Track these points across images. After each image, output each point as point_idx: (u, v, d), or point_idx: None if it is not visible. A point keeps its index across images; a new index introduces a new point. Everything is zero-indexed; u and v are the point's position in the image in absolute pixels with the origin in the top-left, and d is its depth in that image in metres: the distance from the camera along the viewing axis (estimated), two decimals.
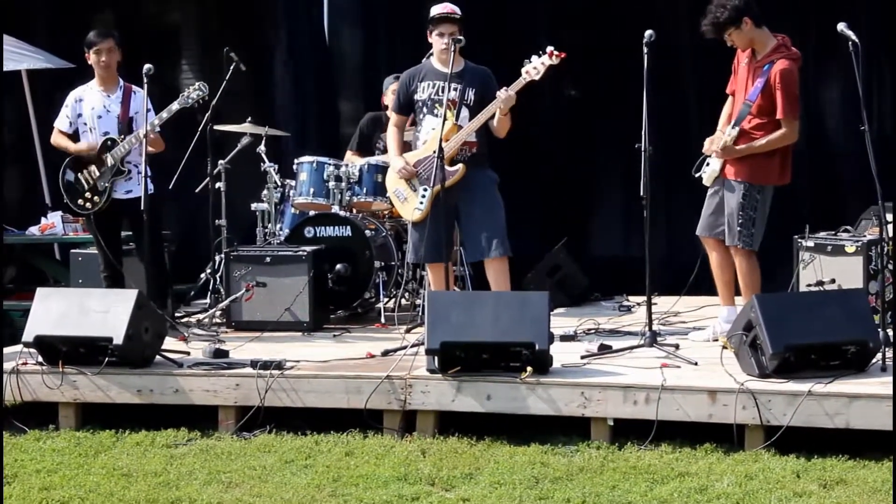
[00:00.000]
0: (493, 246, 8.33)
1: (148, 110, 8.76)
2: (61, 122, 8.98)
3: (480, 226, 8.37)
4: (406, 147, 8.84)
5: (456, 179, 8.29)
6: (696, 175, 8.24)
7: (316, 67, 11.94)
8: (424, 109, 8.51)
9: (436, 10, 8.43)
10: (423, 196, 8.41)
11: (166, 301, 8.93)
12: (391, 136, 8.74)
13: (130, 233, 9.16)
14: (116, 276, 8.92)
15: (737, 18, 7.97)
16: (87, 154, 8.85)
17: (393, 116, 8.79)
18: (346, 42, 12.14)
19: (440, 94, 8.38)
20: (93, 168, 8.85)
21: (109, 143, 8.81)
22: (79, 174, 8.86)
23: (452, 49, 8.16)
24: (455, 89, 8.38)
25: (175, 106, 8.80)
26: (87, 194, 8.84)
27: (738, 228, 8.04)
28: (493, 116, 8.29)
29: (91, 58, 8.88)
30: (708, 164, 8.17)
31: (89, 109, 8.89)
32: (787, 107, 7.92)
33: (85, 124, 8.90)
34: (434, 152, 8.08)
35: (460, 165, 8.33)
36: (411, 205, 8.50)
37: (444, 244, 8.19)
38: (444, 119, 8.18)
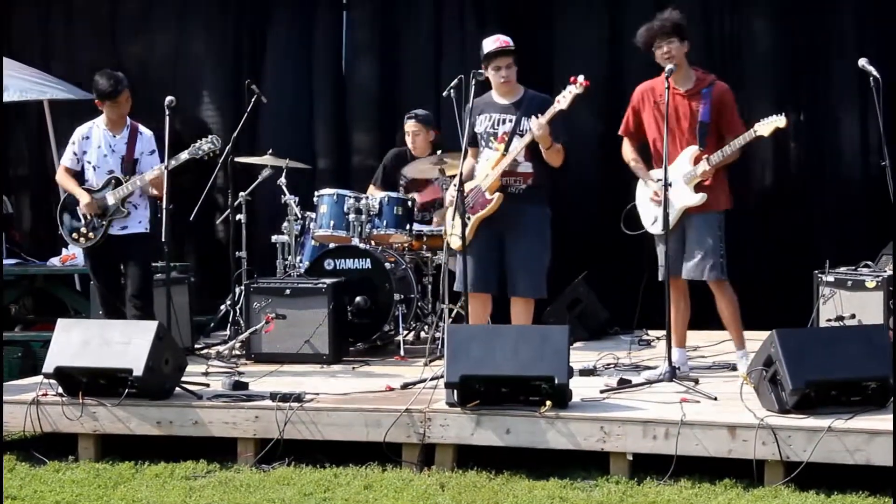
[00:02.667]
0: (527, 285, 8.23)
1: (152, 152, 8.78)
2: (68, 160, 8.89)
3: (522, 262, 8.23)
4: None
5: (491, 209, 8.16)
6: (653, 226, 8.17)
7: (334, 100, 11.97)
8: (482, 142, 8.38)
9: (489, 45, 8.30)
10: (466, 225, 8.17)
11: None
12: (464, 167, 8.37)
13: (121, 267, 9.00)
14: (114, 312, 8.79)
15: (685, 34, 8.08)
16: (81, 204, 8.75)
17: (469, 149, 8.51)
18: (364, 75, 12.17)
19: (496, 126, 8.29)
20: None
21: (114, 181, 8.74)
22: (77, 208, 8.77)
23: (472, 85, 8.10)
24: (510, 121, 8.25)
25: (184, 155, 8.72)
26: (83, 229, 8.77)
27: (721, 261, 8.05)
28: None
29: (105, 106, 8.77)
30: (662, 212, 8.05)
31: (95, 148, 8.82)
32: (738, 123, 8.01)
33: (89, 163, 8.82)
34: (486, 177, 8.10)
35: (497, 195, 8.17)
36: (455, 232, 8.33)
37: (487, 275, 8.17)
38: (501, 150, 8.12)
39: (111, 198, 8.73)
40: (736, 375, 7.89)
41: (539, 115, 8.09)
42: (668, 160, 7.85)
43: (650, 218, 8.22)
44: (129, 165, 8.78)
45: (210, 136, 8.90)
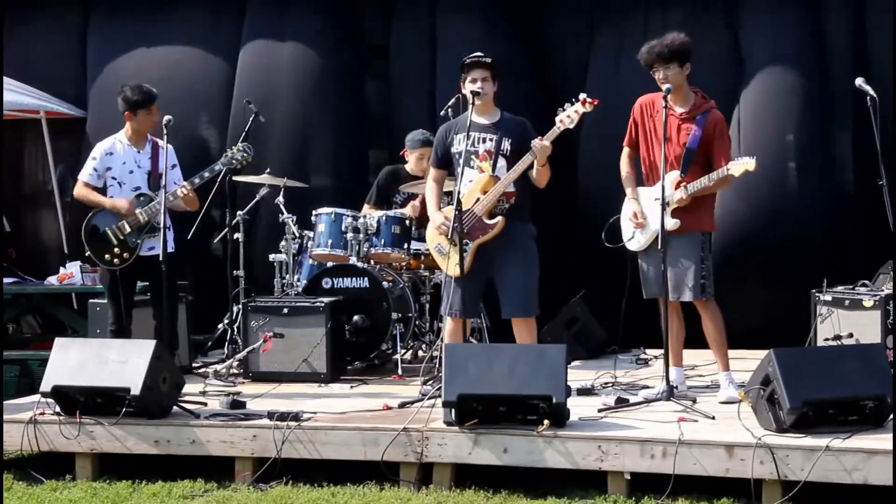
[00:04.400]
0: (523, 306, 8.13)
1: (173, 166, 8.78)
2: (88, 176, 8.76)
3: (514, 283, 8.12)
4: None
5: (495, 233, 8.06)
6: (629, 241, 8.18)
7: (337, 118, 11.95)
8: (461, 162, 8.17)
9: (468, 57, 8.24)
10: (465, 251, 8.05)
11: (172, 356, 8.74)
12: (430, 191, 8.43)
13: (147, 284, 8.99)
14: (124, 330, 8.74)
15: (687, 57, 8.06)
16: (120, 211, 8.67)
17: (432, 171, 8.51)
18: (370, 94, 12.16)
19: (475, 145, 8.18)
20: (123, 223, 8.65)
21: (142, 198, 8.66)
22: (107, 228, 8.67)
23: (471, 102, 8.08)
24: (490, 140, 8.15)
25: (218, 166, 8.76)
26: (116, 249, 8.63)
27: (703, 281, 8.03)
28: (531, 167, 8.06)
29: (138, 116, 8.72)
30: (643, 230, 8.13)
31: (120, 164, 8.74)
32: (727, 154, 8.02)
33: (114, 178, 8.73)
34: (477, 201, 8.01)
35: (499, 218, 8.07)
36: (453, 260, 8.12)
37: (477, 301, 8.16)
38: (481, 171, 8.05)
39: (143, 215, 8.63)
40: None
41: (509, 139, 8.10)
42: (660, 178, 7.87)
43: (628, 233, 8.27)
44: (156, 181, 8.68)
45: (241, 144, 8.88)
